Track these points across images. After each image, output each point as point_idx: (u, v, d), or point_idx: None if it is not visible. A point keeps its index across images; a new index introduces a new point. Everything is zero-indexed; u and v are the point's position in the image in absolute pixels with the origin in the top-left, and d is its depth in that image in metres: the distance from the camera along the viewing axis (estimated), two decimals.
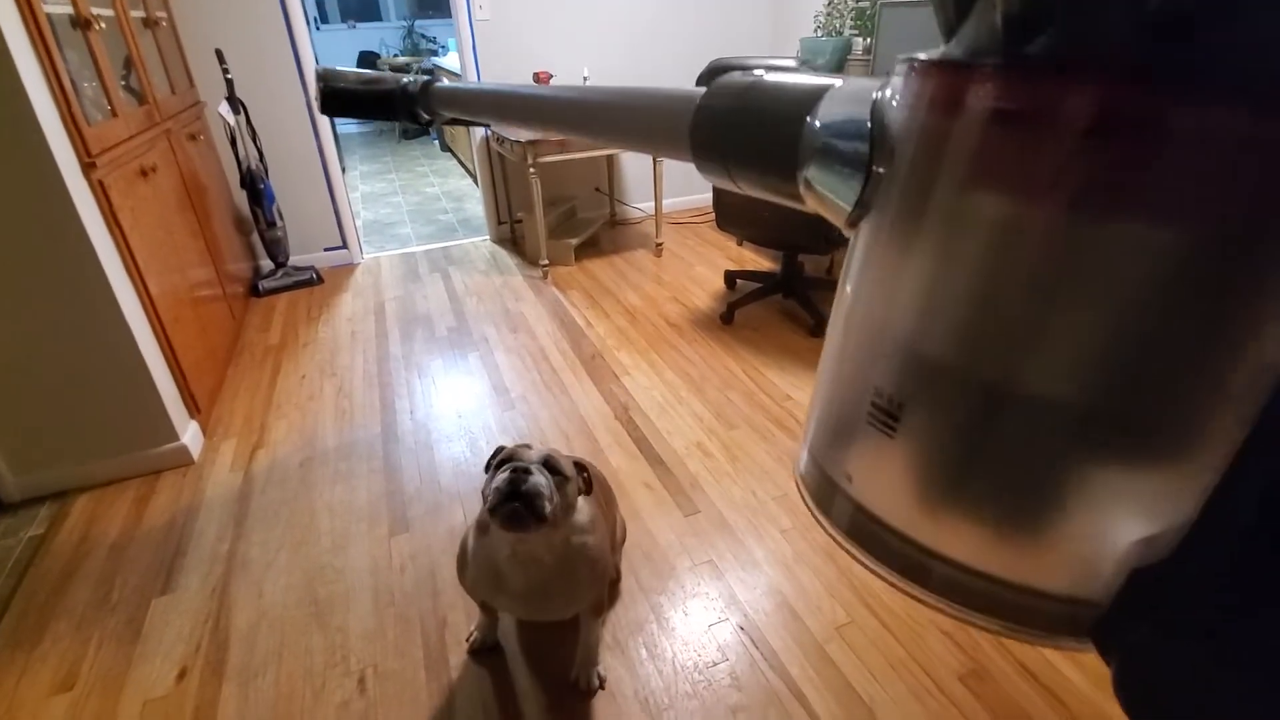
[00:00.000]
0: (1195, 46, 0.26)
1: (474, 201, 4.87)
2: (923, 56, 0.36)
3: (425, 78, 0.96)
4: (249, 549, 1.70)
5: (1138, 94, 0.26)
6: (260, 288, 3.27)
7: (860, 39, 3.21)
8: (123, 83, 2.23)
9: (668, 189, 3.91)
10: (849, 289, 0.43)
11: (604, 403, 2.24)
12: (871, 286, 0.41)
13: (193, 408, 2.13)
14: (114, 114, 2.02)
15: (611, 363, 2.49)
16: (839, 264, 3.27)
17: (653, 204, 3.52)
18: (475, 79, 3.53)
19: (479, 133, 3.67)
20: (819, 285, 2.82)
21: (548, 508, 0.99)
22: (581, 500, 1.15)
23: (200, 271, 2.49)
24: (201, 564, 1.66)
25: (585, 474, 1.14)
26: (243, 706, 1.31)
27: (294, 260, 3.44)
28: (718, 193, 2.69)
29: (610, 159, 3.98)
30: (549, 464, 1.04)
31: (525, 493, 0.98)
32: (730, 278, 3.07)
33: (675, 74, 3.82)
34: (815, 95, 0.44)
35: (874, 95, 0.40)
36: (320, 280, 3.41)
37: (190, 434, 2.07)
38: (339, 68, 1.06)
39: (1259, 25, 0.24)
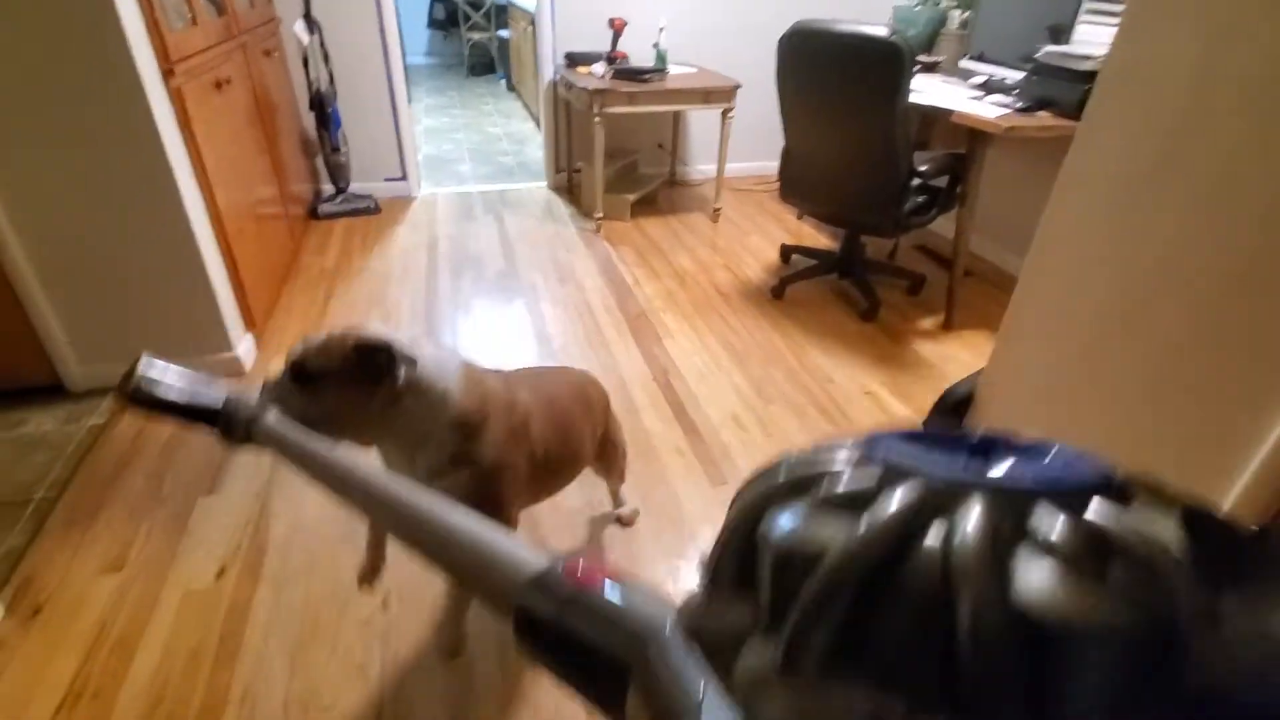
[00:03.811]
0: None
1: (535, 146, 4.82)
2: None
3: (264, 406, 0.75)
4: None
5: None
6: (319, 211, 3.33)
7: (958, 11, 3.02)
8: None
9: (732, 153, 3.79)
10: None
11: (644, 363, 2.23)
12: None
13: (249, 321, 2.19)
14: (194, 22, 2.03)
15: (656, 324, 2.47)
16: (904, 249, 3.15)
17: (715, 167, 3.43)
18: (550, 24, 3.45)
19: (546, 75, 3.61)
20: (878, 269, 2.73)
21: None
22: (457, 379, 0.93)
23: (265, 188, 2.54)
24: (246, 472, 1.73)
25: (381, 355, 0.86)
26: (274, 610, 1.37)
27: (354, 187, 3.48)
28: (784, 163, 2.60)
29: (676, 116, 3.88)
30: (297, 372, 0.85)
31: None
32: (786, 251, 2.99)
33: (756, 31, 3.67)
34: (642, 641, 0.37)
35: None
36: (377, 210, 3.45)
37: (245, 347, 2.13)
38: (162, 361, 0.79)
39: None
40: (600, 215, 3.26)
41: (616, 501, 1.61)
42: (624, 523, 1.61)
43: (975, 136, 2.28)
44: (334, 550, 1.51)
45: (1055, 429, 1.51)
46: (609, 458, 1.43)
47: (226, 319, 2.04)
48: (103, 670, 1.25)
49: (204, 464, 1.75)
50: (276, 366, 2.14)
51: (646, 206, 3.62)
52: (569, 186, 3.90)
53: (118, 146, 1.72)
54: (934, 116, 2.53)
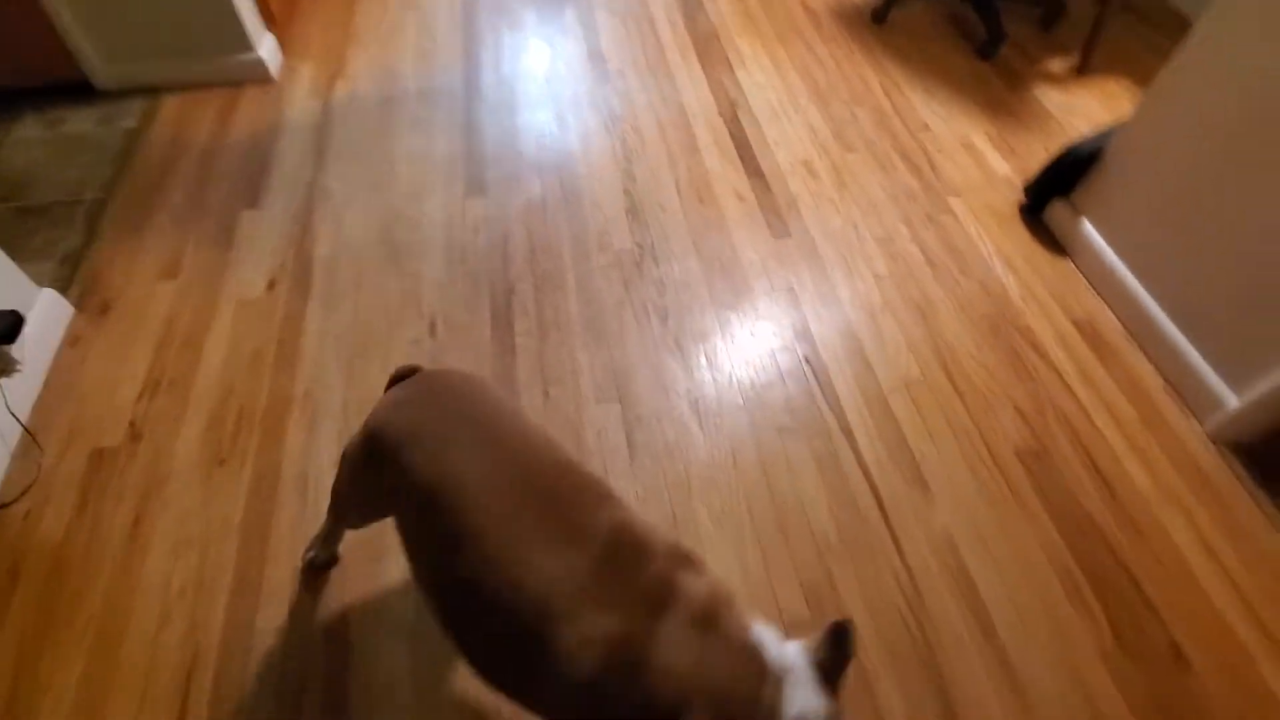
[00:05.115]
0: None
1: None
2: None
3: None
4: (329, 181, 1.68)
5: None
6: None
7: None
8: None
9: None
10: None
11: (710, 95, 1.95)
12: None
13: (269, 18, 1.95)
14: None
15: (728, 48, 2.11)
16: None
17: None
18: None
19: None
20: None
21: None
22: None
23: None
24: (285, 186, 1.66)
25: None
26: (326, 322, 1.40)
27: None
28: None
29: None
30: None
31: None
32: None
33: None
34: None
35: None
36: None
37: (267, 48, 1.92)
38: None
39: None
40: None
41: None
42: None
43: None
44: (379, 269, 1.49)
45: (1189, 213, 1.28)
46: None
47: (243, 14, 1.81)
48: (175, 364, 1.33)
49: (241, 175, 1.68)
50: (305, 72, 1.94)
51: None
52: None
53: None
54: None
